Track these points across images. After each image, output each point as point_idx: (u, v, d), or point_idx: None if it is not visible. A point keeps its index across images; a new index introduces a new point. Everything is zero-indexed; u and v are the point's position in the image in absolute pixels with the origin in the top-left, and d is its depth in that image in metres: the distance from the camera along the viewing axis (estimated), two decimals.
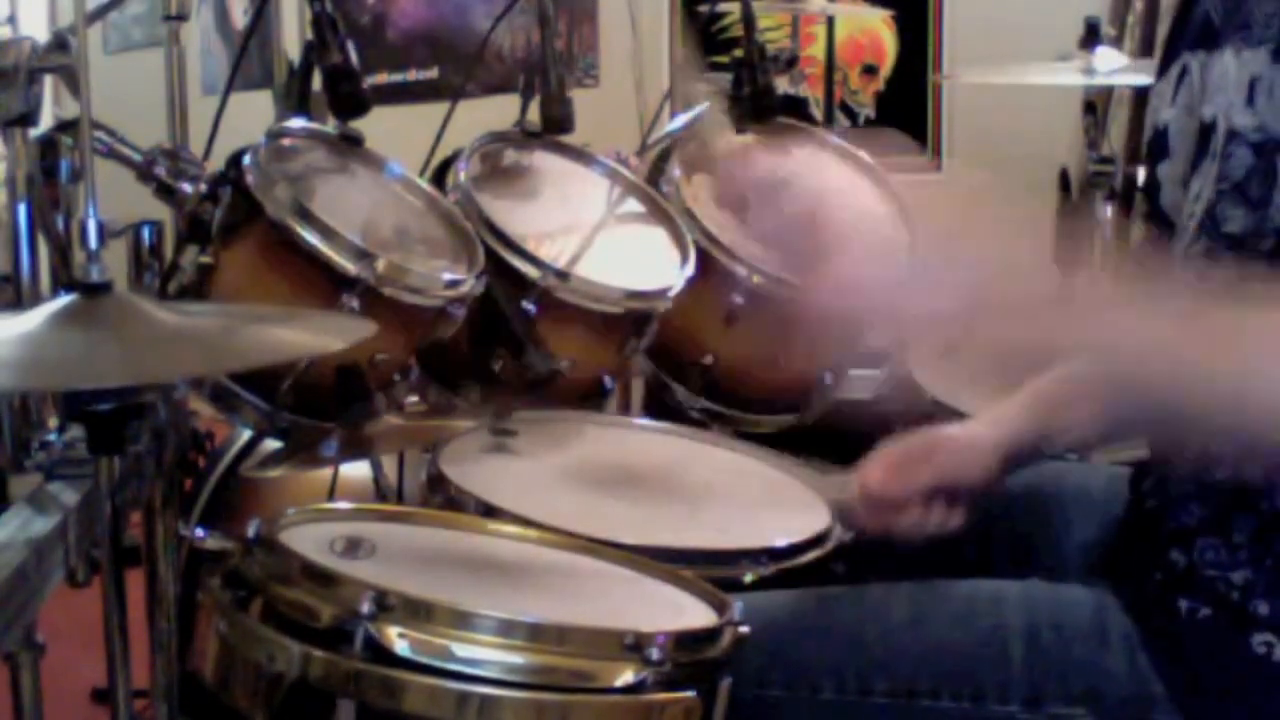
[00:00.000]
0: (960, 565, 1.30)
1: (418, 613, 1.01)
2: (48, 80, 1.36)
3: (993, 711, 1.13)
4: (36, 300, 1.37)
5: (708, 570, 1.25)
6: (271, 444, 1.80)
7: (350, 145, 1.67)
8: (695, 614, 1.15)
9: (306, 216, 1.46)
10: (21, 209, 1.39)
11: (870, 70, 4.33)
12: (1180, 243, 1.19)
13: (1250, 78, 1.11)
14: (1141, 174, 1.27)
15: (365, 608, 1.00)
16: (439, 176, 1.77)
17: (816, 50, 4.12)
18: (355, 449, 1.55)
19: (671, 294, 1.74)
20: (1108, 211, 2.51)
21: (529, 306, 1.66)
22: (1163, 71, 1.26)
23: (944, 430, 1.33)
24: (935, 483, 1.29)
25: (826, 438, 1.72)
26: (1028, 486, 1.40)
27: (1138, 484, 1.27)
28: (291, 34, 4.29)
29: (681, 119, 2.16)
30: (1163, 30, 3.25)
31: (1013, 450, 1.31)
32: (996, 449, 1.31)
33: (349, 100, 1.64)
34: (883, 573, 1.29)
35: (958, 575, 1.26)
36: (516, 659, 1.00)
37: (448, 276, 1.55)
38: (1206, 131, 1.16)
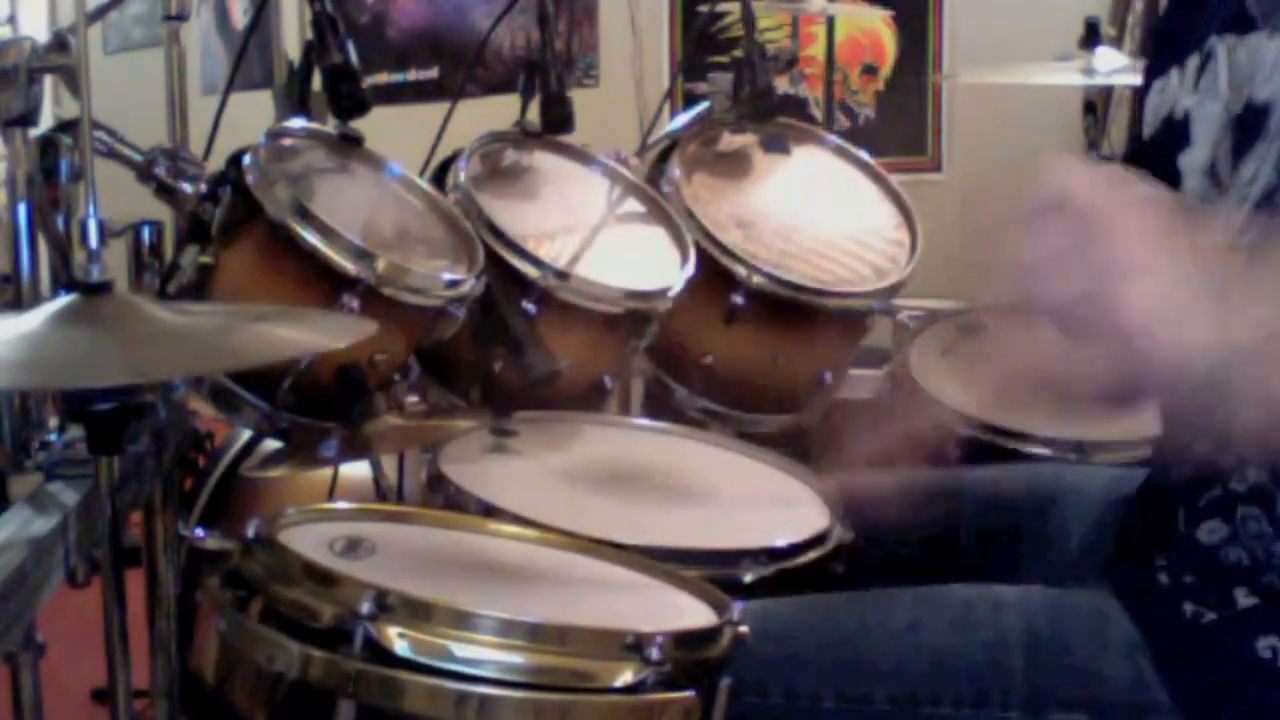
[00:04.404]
0: (960, 567, 1.30)
1: (417, 613, 1.01)
2: (48, 80, 1.36)
3: (994, 718, 1.13)
4: (36, 300, 1.37)
5: (708, 570, 1.25)
6: (271, 444, 1.80)
7: (350, 145, 1.67)
8: (695, 614, 1.15)
9: (306, 216, 1.46)
10: (21, 209, 1.39)
11: (870, 70, 4.33)
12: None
13: None
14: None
15: (365, 608, 0.99)
16: (439, 176, 1.77)
17: (816, 50, 4.13)
18: (355, 449, 1.55)
19: (671, 294, 1.74)
20: None
21: (529, 306, 1.66)
22: (1170, 62, 1.25)
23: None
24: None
25: (826, 438, 1.72)
26: (1028, 488, 1.40)
27: (1158, 470, 1.24)
28: (291, 34, 4.30)
29: (681, 118, 2.16)
30: None
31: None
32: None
33: (349, 100, 1.63)
34: (882, 573, 1.29)
35: (957, 577, 1.25)
36: (516, 659, 1.00)
37: (448, 276, 1.55)
38: (1256, 114, 1.14)
